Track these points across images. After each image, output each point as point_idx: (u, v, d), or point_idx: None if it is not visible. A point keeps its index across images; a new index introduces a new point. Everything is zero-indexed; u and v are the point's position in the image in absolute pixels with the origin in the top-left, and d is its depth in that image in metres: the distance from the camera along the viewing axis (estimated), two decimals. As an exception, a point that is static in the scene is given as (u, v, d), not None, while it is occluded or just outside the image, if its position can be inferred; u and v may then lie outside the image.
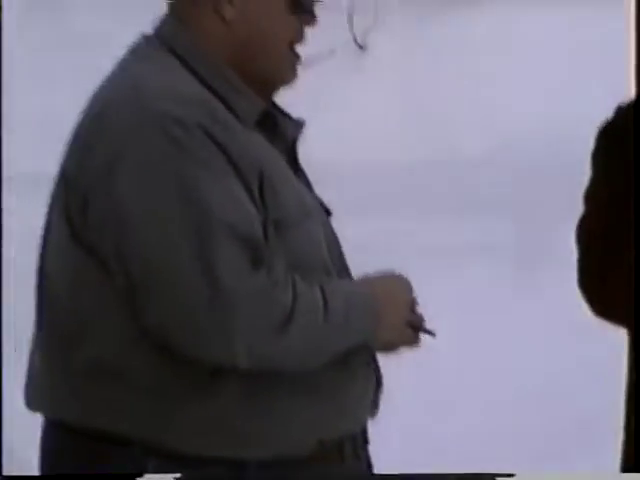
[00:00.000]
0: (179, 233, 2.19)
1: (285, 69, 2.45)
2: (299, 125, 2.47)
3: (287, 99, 2.54)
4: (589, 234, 2.71)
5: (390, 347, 2.42)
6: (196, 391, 2.25)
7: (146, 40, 2.44)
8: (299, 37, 2.43)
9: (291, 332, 2.22)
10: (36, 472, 2.61)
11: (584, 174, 2.80)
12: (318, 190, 2.53)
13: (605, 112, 2.82)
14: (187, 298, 2.18)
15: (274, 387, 2.29)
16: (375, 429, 2.58)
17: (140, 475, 2.34)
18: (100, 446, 2.30)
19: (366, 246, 6.20)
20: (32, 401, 2.46)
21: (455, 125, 10.14)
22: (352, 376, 2.37)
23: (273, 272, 2.24)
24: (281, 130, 2.43)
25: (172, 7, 2.45)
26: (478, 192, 7.60)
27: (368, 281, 2.42)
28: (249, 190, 2.26)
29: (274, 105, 2.48)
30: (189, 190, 2.20)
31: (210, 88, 2.33)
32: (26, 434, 3.69)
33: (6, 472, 3.32)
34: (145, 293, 2.21)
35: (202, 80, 2.33)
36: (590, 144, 2.82)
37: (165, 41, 2.39)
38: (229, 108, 2.32)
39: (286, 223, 2.31)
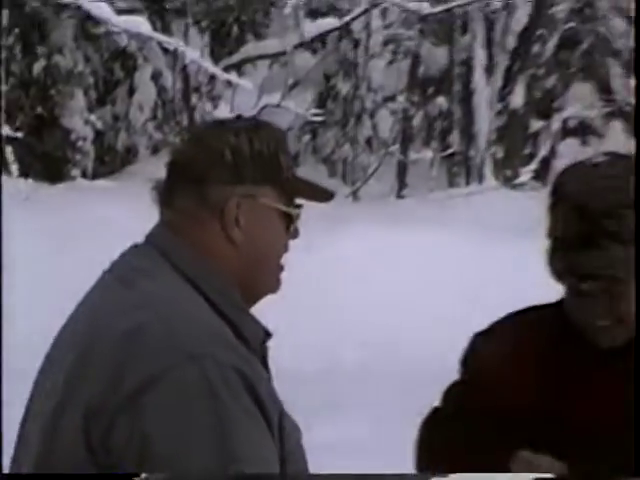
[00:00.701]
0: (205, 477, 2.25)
1: (276, 281, 2.56)
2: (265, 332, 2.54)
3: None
4: None
5: None
6: None
7: (144, 248, 2.51)
8: (287, 250, 2.56)
9: None
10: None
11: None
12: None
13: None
14: None
15: None
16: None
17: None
18: None
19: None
20: None
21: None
22: None
23: None
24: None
25: (169, 220, 2.50)
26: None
27: None
28: (271, 431, 2.32)
29: None
30: (218, 436, 2.24)
31: (221, 313, 2.39)
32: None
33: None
34: None
35: (213, 304, 2.39)
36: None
37: (165, 254, 2.47)
38: (238, 333, 2.40)
39: (291, 457, 2.39)
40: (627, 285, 2.63)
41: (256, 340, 2.46)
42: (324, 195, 2.59)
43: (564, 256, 2.61)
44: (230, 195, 2.43)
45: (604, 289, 2.61)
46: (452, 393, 2.84)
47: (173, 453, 2.23)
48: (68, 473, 2.42)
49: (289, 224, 2.53)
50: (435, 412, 2.84)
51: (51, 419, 2.40)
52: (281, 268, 2.56)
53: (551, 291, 2.86)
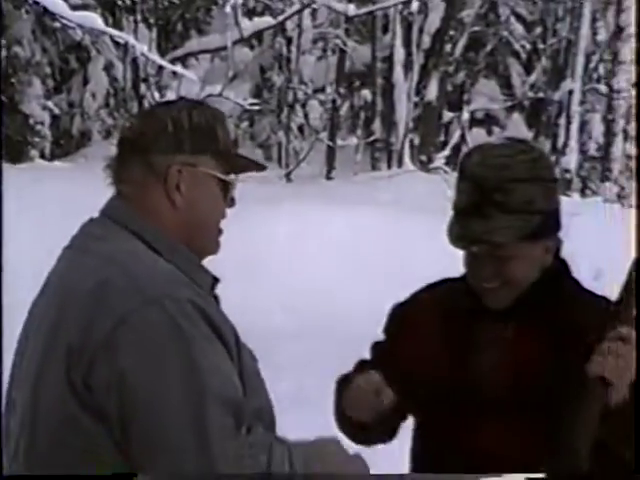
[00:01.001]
0: (178, 402, 2.29)
1: (215, 244, 2.60)
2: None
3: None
4: None
5: None
6: None
7: (100, 220, 2.54)
8: (224, 216, 2.60)
9: None
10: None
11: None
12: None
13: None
14: (180, 459, 2.30)
15: None
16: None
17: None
18: None
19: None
20: None
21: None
22: None
23: (253, 433, 2.36)
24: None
25: (121, 191, 2.54)
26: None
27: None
28: (230, 354, 2.38)
29: None
30: (185, 360, 2.30)
31: (173, 264, 2.46)
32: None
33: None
34: (143, 450, 2.29)
35: (165, 258, 2.46)
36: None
37: (119, 221, 2.51)
38: (191, 280, 2.46)
39: (249, 378, 2.45)
40: (511, 250, 2.65)
41: (206, 286, 2.49)
42: (257, 167, 2.61)
43: (458, 224, 2.64)
44: (172, 163, 2.46)
45: (489, 253, 2.62)
46: (374, 349, 2.86)
47: (147, 380, 2.28)
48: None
49: (226, 192, 2.56)
50: (359, 365, 2.80)
51: (35, 374, 2.43)
52: (220, 232, 2.58)
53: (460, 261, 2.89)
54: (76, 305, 2.36)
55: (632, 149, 13.02)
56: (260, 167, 2.60)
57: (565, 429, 2.56)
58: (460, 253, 2.91)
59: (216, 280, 2.52)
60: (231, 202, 2.57)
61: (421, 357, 2.72)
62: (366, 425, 2.67)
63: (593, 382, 2.53)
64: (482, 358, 2.65)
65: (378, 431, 2.75)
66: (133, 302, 2.31)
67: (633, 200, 12.45)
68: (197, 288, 2.43)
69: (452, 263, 2.93)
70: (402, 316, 2.86)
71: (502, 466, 2.61)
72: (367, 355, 2.90)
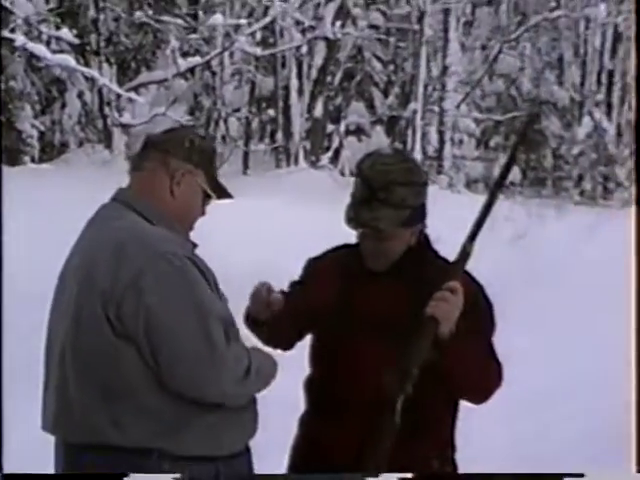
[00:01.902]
0: (191, 321, 2.36)
1: (191, 228, 2.65)
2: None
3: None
4: None
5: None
6: (197, 417, 2.42)
7: (112, 204, 2.57)
8: (203, 213, 2.65)
9: (248, 381, 2.43)
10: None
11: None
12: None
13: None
14: (198, 362, 2.37)
15: (230, 412, 2.48)
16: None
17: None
18: (132, 456, 2.41)
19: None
20: (64, 431, 2.52)
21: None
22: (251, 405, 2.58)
23: (237, 343, 2.44)
24: None
25: (131, 181, 2.61)
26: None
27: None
28: (215, 292, 2.48)
29: None
30: (194, 295, 2.38)
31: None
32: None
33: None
34: (169, 361, 2.36)
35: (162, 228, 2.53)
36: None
37: (127, 204, 2.54)
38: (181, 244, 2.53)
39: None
40: (389, 233, 2.70)
41: (189, 250, 2.52)
42: (227, 195, 2.71)
43: (353, 210, 2.69)
44: (180, 167, 2.54)
45: (373, 235, 2.71)
46: (291, 286, 2.86)
47: (168, 310, 2.35)
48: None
49: (204, 202, 2.64)
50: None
51: (75, 311, 2.48)
52: (193, 226, 2.63)
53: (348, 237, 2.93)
54: (103, 261, 2.40)
55: (458, 151, 13.18)
56: (229, 196, 2.77)
57: (405, 353, 2.61)
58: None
59: (195, 245, 2.56)
60: (203, 211, 2.65)
61: (322, 294, 2.75)
62: (263, 322, 2.73)
63: (427, 320, 2.61)
64: (364, 300, 2.69)
65: (274, 333, 2.79)
66: (147, 257, 2.37)
67: (461, 187, 12.56)
68: (188, 248, 2.51)
69: (331, 236, 2.97)
70: (313, 266, 2.88)
71: (374, 371, 2.62)
72: None
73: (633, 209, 13.70)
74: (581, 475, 2.62)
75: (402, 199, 2.72)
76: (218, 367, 2.35)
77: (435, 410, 2.74)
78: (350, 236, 2.90)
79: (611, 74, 13.49)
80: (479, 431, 2.98)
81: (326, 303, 2.75)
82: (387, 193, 2.71)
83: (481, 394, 2.73)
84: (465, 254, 2.60)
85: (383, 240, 2.73)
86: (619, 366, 6.60)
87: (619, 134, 13.75)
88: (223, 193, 2.69)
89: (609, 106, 13.41)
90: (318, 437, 2.76)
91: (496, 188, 2.60)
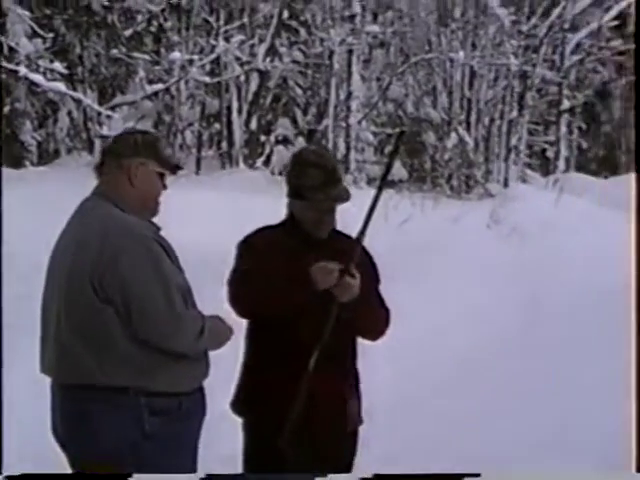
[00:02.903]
0: (157, 290, 2.32)
1: (156, 209, 2.57)
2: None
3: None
4: None
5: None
6: (164, 363, 2.40)
7: (92, 197, 2.52)
8: (164, 187, 2.58)
9: (202, 338, 2.40)
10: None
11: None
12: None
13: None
14: (162, 321, 2.34)
15: (189, 360, 2.47)
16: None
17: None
18: (114, 393, 2.38)
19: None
20: (60, 374, 2.47)
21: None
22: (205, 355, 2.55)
23: (194, 308, 2.44)
24: None
25: (102, 182, 2.53)
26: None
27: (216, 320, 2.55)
28: (176, 266, 2.45)
29: None
30: (159, 269, 2.35)
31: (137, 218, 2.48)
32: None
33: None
34: (140, 319, 2.33)
35: (132, 215, 2.46)
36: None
37: (104, 196, 2.48)
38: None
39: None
40: (335, 206, 2.66)
41: (155, 232, 2.48)
42: (178, 168, 2.66)
43: (322, 192, 2.64)
44: (132, 162, 2.50)
45: (328, 208, 2.69)
46: (237, 271, 2.71)
47: (138, 280, 2.33)
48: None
49: (162, 180, 2.57)
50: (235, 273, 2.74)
51: (67, 281, 2.41)
52: (158, 203, 2.57)
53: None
54: (89, 243, 2.37)
55: (361, 156, 13.23)
56: (180, 168, 2.73)
57: (322, 330, 2.58)
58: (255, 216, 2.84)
59: (159, 228, 2.52)
60: (164, 186, 2.58)
61: (271, 264, 2.61)
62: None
63: (336, 305, 2.60)
64: (307, 263, 2.58)
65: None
66: (124, 239, 2.35)
67: (363, 184, 12.63)
68: (154, 231, 2.48)
69: (265, 221, 2.91)
70: (253, 243, 2.75)
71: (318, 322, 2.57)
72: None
73: (488, 201, 13.77)
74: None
75: (341, 177, 2.74)
76: (177, 325, 2.36)
77: (345, 350, 2.77)
78: (271, 220, 2.84)
79: (469, 101, 13.80)
80: (371, 367, 2.99)
81: (275, 269, 2.59)
82: (338, 173, 2.71)
83: (378, 334, 2.79)
84: (362, 234, 2.62)
85: (332, 212, 2.71)
86: (465, 312, 6.75)
87: (476, 145, 14.07)
88: (175, 168, 2.66)
89: (468, 124, 13.67)
90: (260, 377, 2.73)
91: (380, 185, 2.62)
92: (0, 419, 2.80)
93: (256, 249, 2.73)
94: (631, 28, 17.01)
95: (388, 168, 2.75)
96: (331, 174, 2.67)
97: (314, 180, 2.64)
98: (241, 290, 2.66)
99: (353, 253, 2.60)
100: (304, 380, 2.55)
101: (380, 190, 2.63)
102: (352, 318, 2.64)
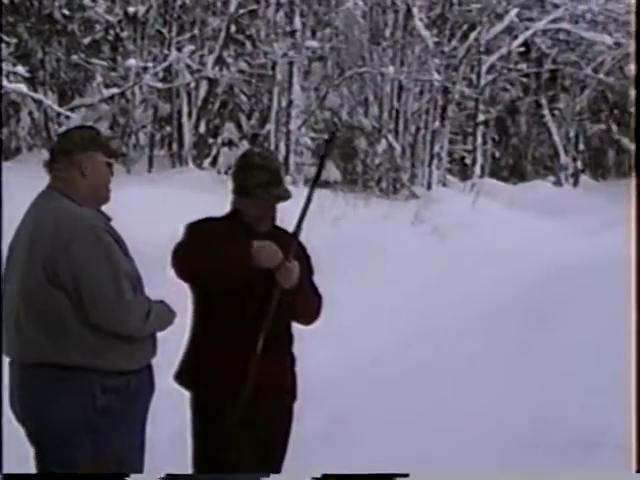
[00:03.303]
0: (106, 277, 2.28)
1: (107, 197, 2.53)
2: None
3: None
4: None
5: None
6: (114, 344, 2.37)
7: (47, 191, 2.46)
8: (112, 174, 2.53)
9: (148, 322, 2.37)
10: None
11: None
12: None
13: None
14: (110, 306, 2.30)
15: (138, 341, 2.45)
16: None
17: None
18: (69, 372, 2.34)
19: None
20: (18, 354, 2.43)
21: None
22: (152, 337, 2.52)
23: (141, 294, 2.40)
24: None
25: (55, 176, 2.47)
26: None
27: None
28: (126, 255, 2.40)
29: None
30: (108, 257, 2.30)
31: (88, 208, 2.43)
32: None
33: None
34: (90, 304, 2.29)
35: (83, 206, 2.41)
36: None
37: (57, 190, 2.42)
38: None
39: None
40: (275, 207, 2.65)
41: (106, 223, 2.44)
42: (123, 154, 2.72)
43: (266, 191, 2.63)
44: (82, 157, 2.44)
45: (271, 204, 2.67)
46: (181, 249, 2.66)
47: (88, 266, 2.28)
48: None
49: (110, 168, 2.52)
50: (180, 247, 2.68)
51: (23, 271, 2.42)
52: (109, 190, 2.52)
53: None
54: (44, 233, 2.32)
55: (299, 159, 13.23)
56: (124, 154, 2.68)
57: (265, 312, 2.58)
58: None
59: (110, 219, 2.47)
60: (112, 173, 2.53)
61: (220, 249, 2.55)
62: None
63: (277, 289, 2.59)
64: (248, 251, 2.55)
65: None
66: (76, 229, 2.30)
67: (301, 184, 12.63)
68: (105, 222, 2.42)
69: (211, 214, 2.87)
70: (198, 226, 2.71)
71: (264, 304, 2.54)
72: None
73: (413, 201, 13.95)
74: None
75: (283, 178, 2.75)
76: (125, 310, 2.33)
77: (284, 333, 2.77)
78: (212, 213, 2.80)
79: (397, 112, 13.97)
80: (310, 352, 2.98)
81: (222, 243, 2.55)
82: (281, 174, 2.71)
83: (312, 319, 2.80)
84: (299, 228, 2.62)
85: (274, 208, 2.70)
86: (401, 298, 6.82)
87: (403, 151, 14.26)
88: (119, 154, 2.64)
89: (397, 132, 13.82)
90: (205, 351, 2.70)
91: (313, 185, 2.62)
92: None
93: (201, 229, 2.72)
94: (534, 54, 17.94)
95: (320, 167, 2.76)
96: (275, 175, 2.68)
97: (259, 180, 2.64)
98: (185, 254, 2.64)
99: (291, 244, 2.60)
100: (252, 363, 2.53)
101: (313, 187, 2.64)
102: (290, 303, 2.63)
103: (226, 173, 12.47)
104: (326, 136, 13.93)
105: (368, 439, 3.96)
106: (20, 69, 10.49)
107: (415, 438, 3.87)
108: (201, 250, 2.59)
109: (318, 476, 2.68)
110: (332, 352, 5.23)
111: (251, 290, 2.58)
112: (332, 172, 13.11)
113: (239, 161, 2.75)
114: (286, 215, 2.87)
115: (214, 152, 14.11)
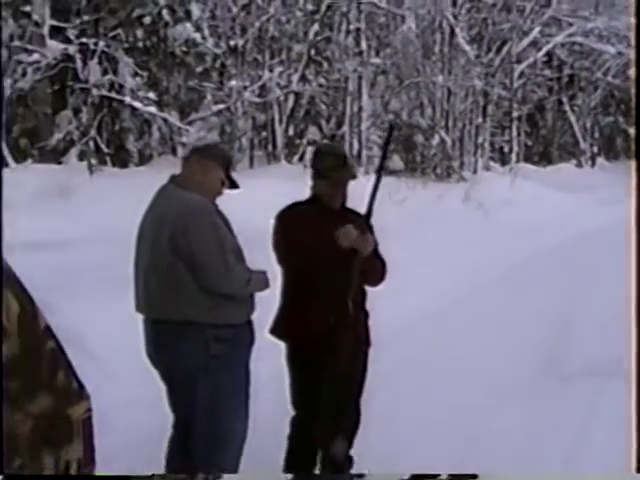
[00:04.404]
0: (215, 251, 2.24)
1: (218, 193, 2.44)
2: None
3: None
4: None
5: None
6: (222, 303, 2.31)
7: (169, 184, 2.41)
8: (222, 191, 2.44)
9: (250, 285, 2.33)
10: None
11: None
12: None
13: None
14: (218, 274, 2.26)
15: (240, 300, 2.38)
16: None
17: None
18: (187, 326, 2.29)
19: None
20: (149, 312, 2.39)
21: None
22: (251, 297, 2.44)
23: (243, 265, 2.35)
24: None
25: (183, 170, 2.42)
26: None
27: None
28: (231, 233, 2.35)
29: None
30: (217, 236, 2.27)
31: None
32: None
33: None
34: (203, 273, 2.25)
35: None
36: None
37: (178, 183, 2.38)
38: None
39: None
40: (346, 184, 2.55)
41: (216, 207, 2.40)
42: (234, 186, 2.44)
43: (337, 171, 2.57)
44: (210, 165, 2.41)
45: (343, 182, 2.55)
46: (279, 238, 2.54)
47: (201, 242, 2.23)
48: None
49: (223, 186, 2.46)
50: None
51: (151, 246, 2.34)
52: (220, 194, 2.49)
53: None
54: (169, 216, 2.29)
55: (370, 153, 13.03)
56: (237, 187, 2.44)
57: (350, 277, 2.47)
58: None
59: (217, 206, 2.39)
60: (223, 188, 2.43)
61: (307, 231, 2.47)
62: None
63: (358, 257, 2.47)
64: (328, 228, 2.44)
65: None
66: (192, 213, 2.26)
67: (372, 172, 12.42)
68: (214, 207, 2.37)
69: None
70: (284, 215, 2.59)
71: (343, 278, 2.41)
72: None
73: (462, 184, 13.74)
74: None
75: (349, 161, 2.69)
76: (230, 278, 2.29)
77: (359, 294, 2.66)
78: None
79: (447, 112, 13.80)
80: (378, 308, 2.84)
81: (308, 236, 2.46)
82: (346, 158, 2.64)
83: (380, 281, 2.69)
84: (371, 206, 2.50)
85: (343, 186, 2.63)
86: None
87: (453, 144, 14.03)
88: (232, 185, 2.49)
89: (447, 128, 13.58)
90: (299, 309, 2.60)
91: (378, 173, 2.46)
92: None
93: (289, 219, 2.62)
94: (555, 62, 18.84)
95: (384, 152, 2.64)
96: (340, 159, 2.59)
97: (328, 163, 2.57)
98: (280, 248, 2.56)
99: (366, 221, 2.51)
100: (347, 324, 2.43)
101: (380, 170, 2.52)
102: (364, 269, 2.53)
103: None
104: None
105: (431, 380, 3.85)
106: (151, 95, 10.83)
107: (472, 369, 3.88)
108: (294, 242, 2.48)
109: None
110: (398, 308, 5.12)
111: (337, 261, 2.46)
112: (396, 162, 12.99)
113: (314, 152, 2.70)
114: (357, 198, 2.75)
115: (301, 150, 14.03)
